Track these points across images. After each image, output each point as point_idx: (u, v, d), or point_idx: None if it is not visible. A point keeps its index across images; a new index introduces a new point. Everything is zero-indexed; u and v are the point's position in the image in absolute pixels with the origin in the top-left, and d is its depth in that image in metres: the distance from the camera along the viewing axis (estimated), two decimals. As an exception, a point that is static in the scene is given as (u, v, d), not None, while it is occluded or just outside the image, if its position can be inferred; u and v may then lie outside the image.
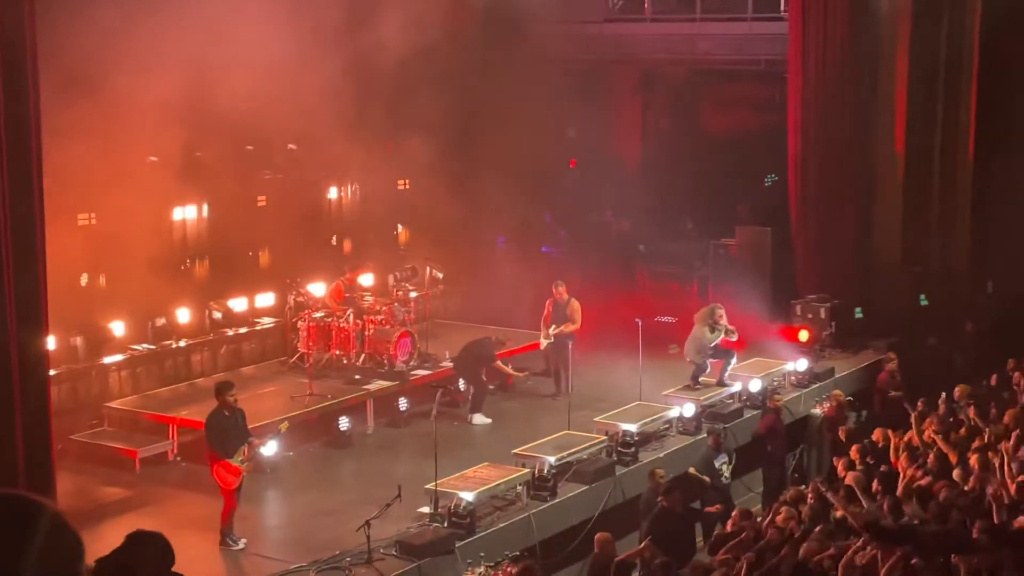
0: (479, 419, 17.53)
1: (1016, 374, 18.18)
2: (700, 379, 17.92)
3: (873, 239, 22.18)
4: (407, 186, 23.99)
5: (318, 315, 18.51)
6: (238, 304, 19.50)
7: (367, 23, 19.39)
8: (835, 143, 21.78)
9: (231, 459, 12.94)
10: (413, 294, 20.31)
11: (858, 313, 21.14)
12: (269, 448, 14.86)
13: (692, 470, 15.45)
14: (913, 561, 10.52)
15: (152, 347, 18.13)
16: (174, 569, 5.81)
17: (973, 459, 14.03)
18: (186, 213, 19.75)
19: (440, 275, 21.33)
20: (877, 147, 22.06)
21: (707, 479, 15.38)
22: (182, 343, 18.50)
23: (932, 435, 15.24)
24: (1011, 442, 14.17)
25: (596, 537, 12.76)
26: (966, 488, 13.18)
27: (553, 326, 18.35)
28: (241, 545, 13.08)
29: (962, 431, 15.46)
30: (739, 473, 16.38)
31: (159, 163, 18.21)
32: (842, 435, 17.04)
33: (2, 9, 12.15)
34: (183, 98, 16.62)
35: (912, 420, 16.34)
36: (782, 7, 23.77)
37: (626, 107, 23.65)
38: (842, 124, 21.80)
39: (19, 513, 3.15)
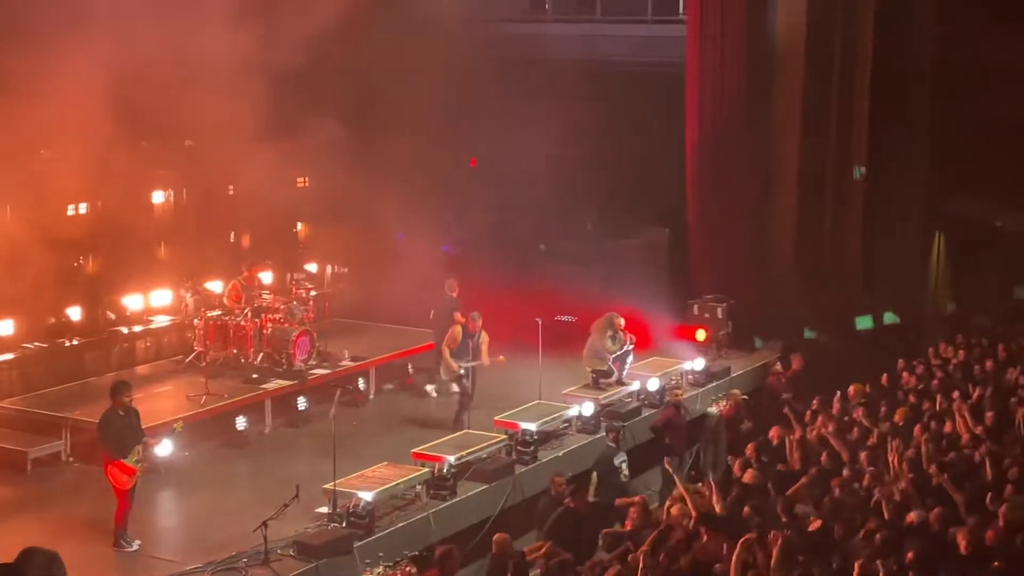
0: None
1: (905, 374, 18.63)
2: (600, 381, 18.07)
3: (768, 240, 22.52)
4: (306, 183, 23.83)
5: (215, 313, 18.30)
6: (133, 302, 19.21)
7: (266, 17, 19.19)
8: (731, 144, 22.07)
9: (125, 459, 12.74)
10: (312, 292, 20.16)
11: None
12: (164, 448, 14.74)
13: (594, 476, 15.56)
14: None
15: (44, 345, 17.78)
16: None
17: (863, 457, 14.34)
18: (80, 209, 19.39)
19: (345, 269, 21.21)
20: (773, 149, 22.38)
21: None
22: (75, 341, 18.17)
23: (825, 434, 15.52)
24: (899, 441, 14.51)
25: (494, 538, 12.78)
26: (858, 486, 13.45)
27: (467, 358, 17.22)
28: (135, 546, 12.88)
29: (855, 430, 15.77)
30: (638, 471, 16.53)
31: (52, 158, 17.85)
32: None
33: None
34: (78, 92, 16.29)
35: (805, 419, 16.65)
36: (681, 10, 24.02)
37: (528, 107, 23.66)
38: (738, 126, 22.10)
39: None
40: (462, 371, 17.14)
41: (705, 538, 11.70)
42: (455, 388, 17.69)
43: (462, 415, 16.92)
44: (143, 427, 13.31)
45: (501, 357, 17.48)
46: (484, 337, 17.44)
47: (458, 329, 17.29)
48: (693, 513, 12.42)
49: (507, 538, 12.73)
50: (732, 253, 22.17)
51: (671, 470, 14.47)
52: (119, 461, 12.71)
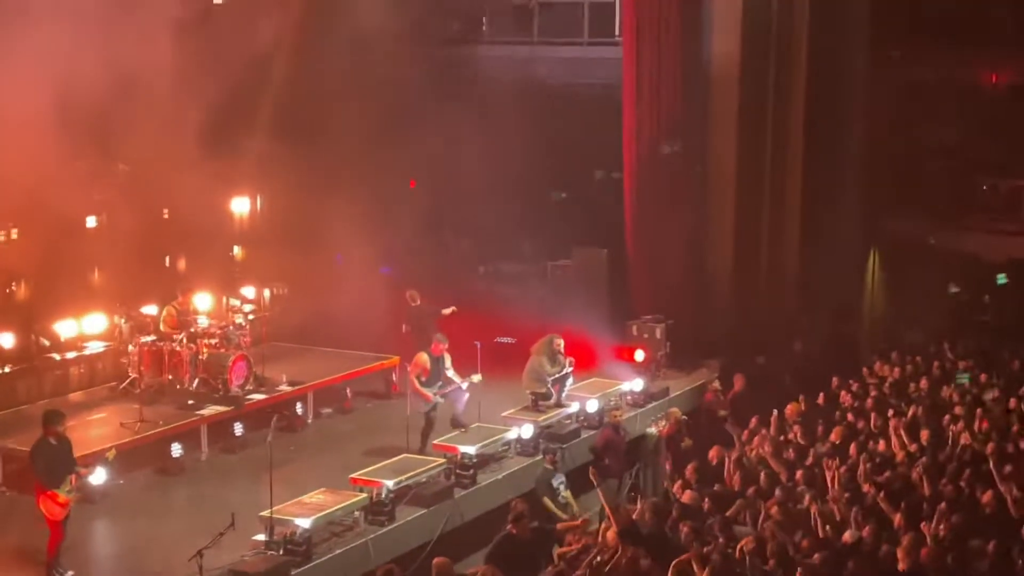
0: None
1: (843, 392, 18.78)
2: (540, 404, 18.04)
3: (705, 260, 22.65)
4: (245, 206, 23.70)
5: (150, 339, 18.09)
6: (66, 328, 18.92)
7: (202, 36, 19.09)
8: (667, 165, 22.19)
9: (58, 490, 12.56)
10: (250, 316, 19.99)
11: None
12: (97, 476, 14.49)
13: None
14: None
15: (-26, 373, 17.51)
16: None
17: (799, 476, 14.43)
18: (11, 234, 19.13)
19: (284, 290, 21.08)
20: (709, 168, 22.54)
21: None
22: (6, 369, 17.89)
23: (762, 453, 15.61)
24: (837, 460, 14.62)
25: (434, 562, 12.70)
26: (794, 506, 13.52)
27: (439, 384, 16.87)
28: (68, 577, 12.70)
29: (791, 450, 15.86)
30: (578, 492, 16.50)
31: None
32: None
33: None
34: (7, 112, 16.10)
35: (742, 438, 16.74)
36: (617, 32, 24.14)
37: (466, 128, 23.71)
38: (674, 146, 22.22)
39: None
40: (440, 399, 16.81)
41: (626, 554, 11.75)
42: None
43: (428, 440, 16.63)
44: (76, 455, 13.12)
45: (476, 377, 17.05)
46: (448, 359, 17.02)
47: (423, 356, 16.87)
48: (614, 528, 12.47)
49: (448, 561, 12.65)
50: (670, 273, 22.26)
51: (596, 482, 14.45)
52: (51, 492, 12.53)
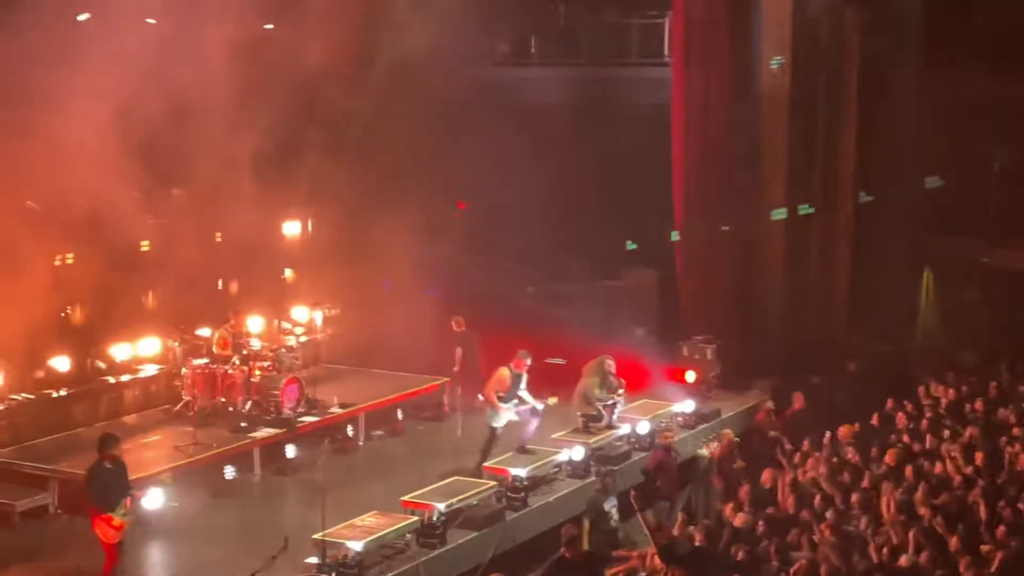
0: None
1: (898, 413, 18.59)
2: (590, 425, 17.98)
3: (756, 280, 22.53)
4: (296, 229, 23.88)
5: (203, 361, 18.22)
6: (121, 351, 19.12)
7: (256, 59, 19.24)
8: (718, 185, 22.13)
9: (113, 513, 12.66)
10: (301, 339, 20.10)
11: None
12: (153, 499, 14.62)
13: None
14: None
15: (32, 396, 17.69)
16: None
17: (855, 499, 14.30)
18: (67, 259, 19.34)
19: (335, 311, 21.17)
20: (759, 189, 22.44)
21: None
22: (62, 392, 18.08)
23: (816, 476, 15.48)
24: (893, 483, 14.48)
25: None
26: (850, 529, 13.41)
27: (514, 401, 16.63)
28: (123, 600, 12.79)
29: (846, 472, 15.72)
30: (629, 515, 16.41)
31: (38, 209, 17.83)
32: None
33: None
34: (62, 145, 16.30)
35: (794, 461, 16.60)
36: (666, 53, 24.12)
37: (515, 149, 23.78)
38: (724, 166, 22.17)
39: None
40: (514, 415, 16.58)
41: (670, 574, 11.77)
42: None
43: (488, 455, 16.54)
44: (131, 479, 13.22)
45: (552, 399, 16.94)
46: (525, 378, 16.67)
47: (504, 371, 16.57)
48: (652, 549, 12.50)
49: None
50: (720, 294, 22.18)
51: (636, 506, 14.44)
52: (106, 515, 12.62)
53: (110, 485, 12.77)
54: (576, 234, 24.21)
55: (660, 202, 22.86)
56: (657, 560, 12.57)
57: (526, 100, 25.23)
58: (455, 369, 19.55)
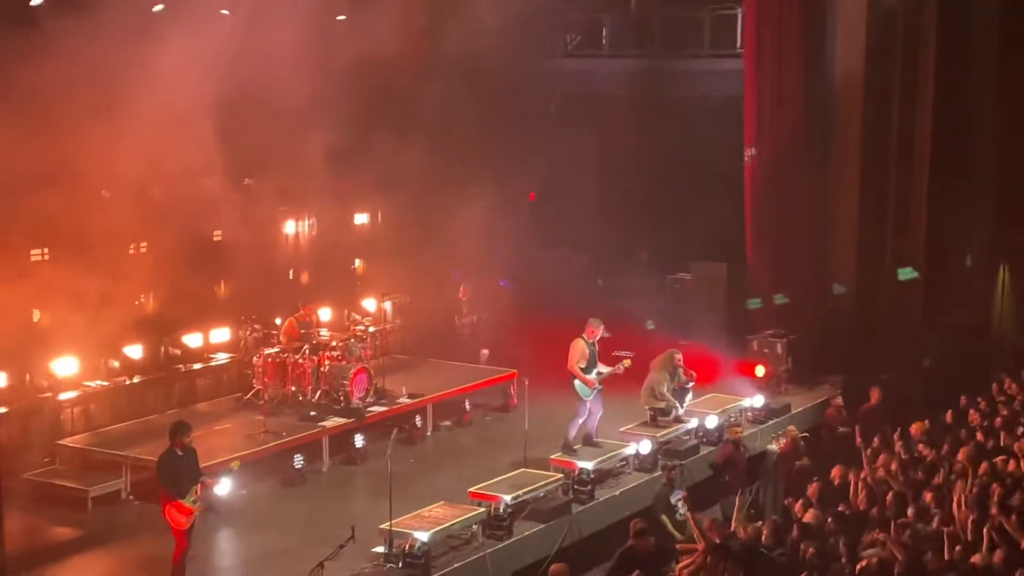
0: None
1: (971, 411, 18.32)
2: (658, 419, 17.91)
3: (828, 275, 22.30)
4: (366, 220, 24.02)
5: (273, 351, 18.38)
6: (193, 339, 19.35)
7: (326, 53, 19.33)
8: (790, 178, 21.93)
9: (183, 499, 12.78)
10: (370, 329, 20.21)
11: None
12: (222, 487, 14.78)
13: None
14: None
15: (105, 383, 17.95)
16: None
17: (928, 497, 14.11)
18: (140, 248, 19.58)
19: (406, 299, 21.31)
20: (832, 182, 22.21)
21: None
22: (135, 379, 18.33)
23: (886, 473, 15.30)
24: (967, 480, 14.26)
25: (552, 568, 12.67)
26: (922, 527, 13.24)
27: (596, 370, 16.50)
28: (193, 586, 12.92)
29: (918, 469, 15.53)
30: (698, 509, 16.31)
31: (112, 199, 18.06)
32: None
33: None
34: (136, 134, 16.48)
35: (865, 457, 16.42)
36: (738, 44, 23.93)
37: (585, 141, 23.73)
38: (797, 159, 21.96)
39: None
40: (599, 386, 16.56)
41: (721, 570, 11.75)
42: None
43: (591, 433, 16.65)
44: (201, 466, 13.36)
45: (626, 361, 16.80)
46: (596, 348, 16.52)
47: (580, 342, 16.35)
48: (700, 545, 12.46)
49: (564, 567, 12.61)
50: (791, 288, 21.98)
51: (675, 502, 14.47)
52: (177, 502, 12.75)
53: (181, 472, 12.89)
54: (645, 227, 24.11)
55: (731, 195, 22.69)
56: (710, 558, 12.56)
57: (597, 91, 25.15)
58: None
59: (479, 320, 22.33)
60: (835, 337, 21.70)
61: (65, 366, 17.42)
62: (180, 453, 13.01)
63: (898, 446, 16.65)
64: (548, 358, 18.06)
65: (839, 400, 19.53)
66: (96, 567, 13.23)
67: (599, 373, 16.51)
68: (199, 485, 13.00)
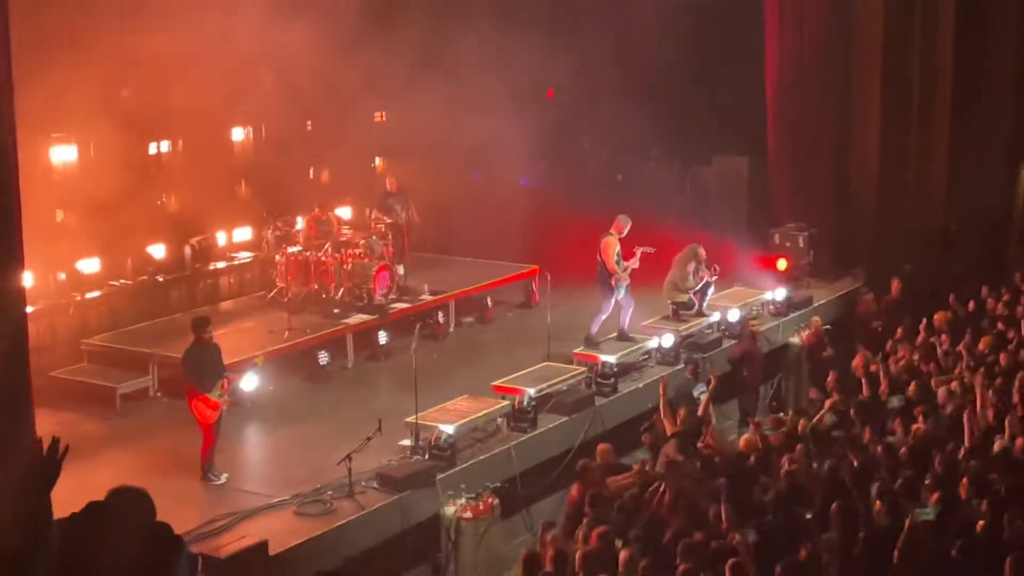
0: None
1: (990, 300, 18.32)
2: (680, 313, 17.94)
3: (850, 168, 22.17)
4: (383, 118, 23.86)
5: (296, 249, 18.43)
6: (216, 239, 19.43)
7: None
8: (813, 70, 21.74)
9: (209, 393, 12.92)
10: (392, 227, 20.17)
11: None
12: (248, 382, 14.93)
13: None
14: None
15: (130, 283, 18.06)
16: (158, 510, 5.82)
17: (953, 385, 14.17)
18: (161, 147, 19.58)
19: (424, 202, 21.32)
20: (854, 78, 21.98)
21: None
22: (159, 278, 18.43)
23: (910, 361, 15.36)
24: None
25: (599, 447, 13.23)
26: (945, 413, 13.33)
27: (624, 264, 16.51)
28: (223, 479, 13.08)
29: (940, 358, 15.58)
30: (716, 403, 16.43)
31: (133, 97, 18.00)
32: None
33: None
34: (161, 33, 16.37)
35: (888, 347, 16.48)
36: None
37: (605, 34, 23.47)
38: (820, 51, 21.75)
39: None
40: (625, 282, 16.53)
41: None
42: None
43: (623, 328, 16.76)
44: (227, 363, 13.48)
45: (648, 248, 16.67)
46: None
47: (611, 239, 16.37)
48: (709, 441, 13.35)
49: (609, 447, 13.07)
50: (813, 182, 21.88)
51: (698, 395, 14.92)
52: (203, 395, 12.89)
53: (204, 366, 13.02)
54: (666, 121, 23.91)
55: (752, 89, 22.48)
56: (659, 465, 12.64)
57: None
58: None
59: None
60: (857, 231, 21.62)
61: (89, 266, 17.53)
62: (203, 347, 13.10)
63: (921, 336, 16.67)
64: (571, 254, 18.09)
65: (870, 295, 19.50)
66: (127, 462, 13.38)
67: (625, 268, 16.54)
68: (224, 380, 13.13)
